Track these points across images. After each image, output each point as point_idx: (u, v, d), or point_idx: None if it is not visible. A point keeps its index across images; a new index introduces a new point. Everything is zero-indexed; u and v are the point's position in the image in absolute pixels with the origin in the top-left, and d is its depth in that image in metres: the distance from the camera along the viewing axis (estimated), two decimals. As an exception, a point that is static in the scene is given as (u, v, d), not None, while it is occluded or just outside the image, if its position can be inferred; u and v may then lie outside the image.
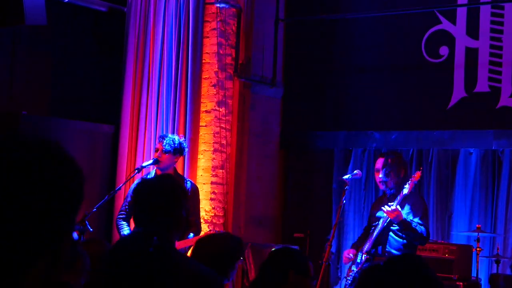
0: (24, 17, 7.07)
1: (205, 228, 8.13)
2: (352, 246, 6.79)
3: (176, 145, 6.56)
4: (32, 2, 7.14)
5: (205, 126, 8.54)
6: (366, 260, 6.46)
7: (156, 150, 6.59)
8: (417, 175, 6.40)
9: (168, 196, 3.44)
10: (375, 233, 6.47)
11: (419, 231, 6.32)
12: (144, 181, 3.71)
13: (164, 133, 8.35)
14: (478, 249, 7.28)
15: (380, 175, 6.51)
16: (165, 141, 6.55)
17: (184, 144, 6.75)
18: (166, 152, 6.52)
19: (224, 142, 8.57)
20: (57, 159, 1.45)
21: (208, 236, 4.30)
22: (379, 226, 6.45)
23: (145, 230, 3.34)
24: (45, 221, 1.40)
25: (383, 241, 6.48)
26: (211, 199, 8.46)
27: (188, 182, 6.74)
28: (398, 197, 6.36)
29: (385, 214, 6.37)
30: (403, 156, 7.21)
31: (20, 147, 1.43)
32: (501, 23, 8.21)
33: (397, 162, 6.58)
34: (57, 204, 1.43)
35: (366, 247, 6.50)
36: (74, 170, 1.47)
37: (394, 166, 6.52)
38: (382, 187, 6.59)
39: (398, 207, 6.31)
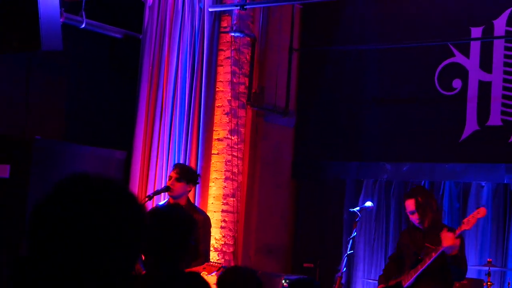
0: (40, 42, 7.13)
1: (214, 256, 8.12)
2: (380, 281, 6.47)
3: (189, 174, 6.56)
4: (49, 28, 7.21)
5: (217, 154, 8.56)
6: None
7: (170, 178, 6.55)
8: (483, 212, 6.07)
9: (177, 225, 3.46)
10: (421, 269, 6.11)
11: (465, 268, 6.17)
12: (153, 210, 3.73)
13: (176, 160, 8.39)
14: (489, 283, 7.23)
15: (417, 217, 6.22)
16: (178, 169, 6.54)
17: (197, 173, 6.75)
18: (180, 180, 6.49)
19: (235, 170, 8.58)
20: (124, 198, 1.52)
21: (231, 273, 4.19)
22: (429, 260, 6.07)
23: (154, 259, 3.35)
24: (115, 252, 1.50)
25: (431, 276, 6.15)
26: (222, 227, 8.45)
27: (199, 211, 6.74)
28: (456, 231, 5.98)
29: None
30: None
31: (91, 187, 1.49)
32: (515, 57, 8.23)
33: (426, 196, 6.33)
34: (127, 239, 1.52)
35: (408, 282, 6.16)
36: (139, 210, 1.54)
37: (426, 203, 6.26)
38: (420, 226, 6.28)
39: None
